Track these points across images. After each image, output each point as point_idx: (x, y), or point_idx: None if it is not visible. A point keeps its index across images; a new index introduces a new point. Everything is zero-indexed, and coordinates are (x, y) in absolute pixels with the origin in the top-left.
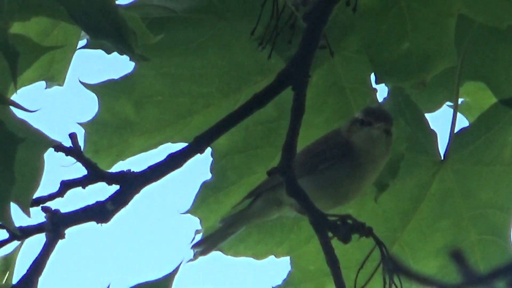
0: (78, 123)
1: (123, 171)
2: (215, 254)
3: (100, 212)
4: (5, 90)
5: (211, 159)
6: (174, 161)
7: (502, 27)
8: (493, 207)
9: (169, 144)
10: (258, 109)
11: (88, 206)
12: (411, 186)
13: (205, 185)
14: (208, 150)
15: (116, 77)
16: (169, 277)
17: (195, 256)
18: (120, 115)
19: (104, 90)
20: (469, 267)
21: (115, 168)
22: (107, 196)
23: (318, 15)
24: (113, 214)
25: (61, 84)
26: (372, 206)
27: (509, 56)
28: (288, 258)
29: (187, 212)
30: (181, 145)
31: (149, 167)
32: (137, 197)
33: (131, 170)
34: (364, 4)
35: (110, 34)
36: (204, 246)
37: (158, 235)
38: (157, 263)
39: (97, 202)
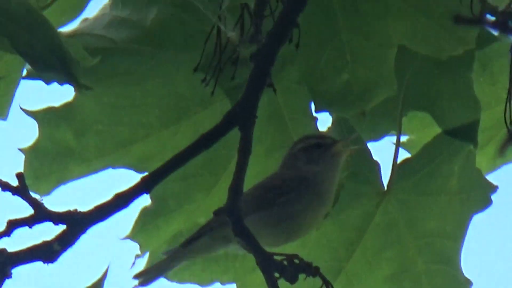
0: (18, 149)
1: (69, 210)
2: (159, 280)
3: (47, 252)
4: None
5: None
6: (120, 201)
7: (443, 58)
8: (440, 236)
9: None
10: (204, 149)
11: (35, 245)
12: (355, 216)
13: (144, 212)
14: None
15: (56, 104)
16: (98, 283)
17: (138, 285)
18: (61, 143)
19: (44, 116)
20: None
21: (59, 199)
22: (54, 235)
23: (265, 55)
24: (60, 254)
25: (4, 118)
26: (317, 237)
27: (452, 86)
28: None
29: (126, 237)
30: (122, 171)
31: (96, 207)
32: None
33: (78, 210)
34: (303, 36)
35: (55, 66)
36: (146, 276)
37: (99, 260)
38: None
39: (44, 242)
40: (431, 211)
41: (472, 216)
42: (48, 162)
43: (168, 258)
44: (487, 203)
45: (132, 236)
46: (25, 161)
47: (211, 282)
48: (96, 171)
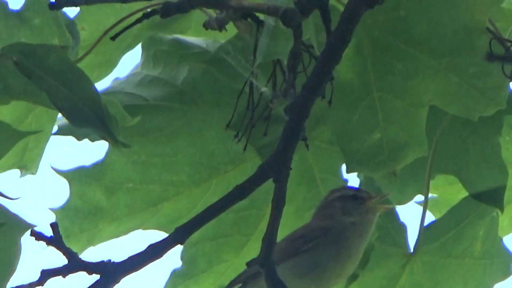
0: (50, 209)
1: (103, 261)
2: None
3: None
4: None
5: (182, 247)
6: (154, 252)
7: (474, 119)
8: None
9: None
10: (239, 200)
11: None
12: (381, 277)
13: (175, 273)
14: None
15: (87, 164)
16: None
17: None
18: (91, 201)
19: (75, 176)
20: None
21: (91, 253)
22: (87, 285)
23: (300, 108)
24: None
25: (34, 173)
26: None
27: (480, 148)
28: None
29: None
30: (151, 232)
31: (129, 258)
32: None
33: (111, 260)
34: (336, 95)
35: (92, 122)
36: None
37: None
38: None
39: None
40: (455, 274)
41: (493, 284)
42: (78, 221)
43: None
44: (507, 273)
45: None
46: (56, 221)
47: None
48: (126, 232)
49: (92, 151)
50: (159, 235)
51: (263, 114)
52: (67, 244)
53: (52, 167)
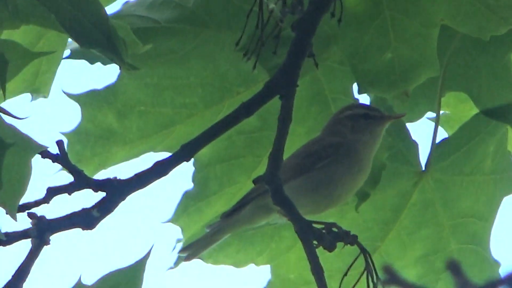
0: (61, 133)
1: (109, 178)
2: (195, 262)
3: (86, 219)
4: None
5: (193, 168)
6: (160, 169)
7: (485, 38)
8: (473, 216)
9: (151, 153)
10: (245, 117)
11: (74, 212)
12: (392, 195)
13: (186, 195)
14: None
15: (99, 87)
16: (140, 263)
17: (178, 262)
18: (103, 125)
19: (86, 100)
20: (466, 278)
21: (99, 175)
22: (93, 203)
23: (307, 24)
24: (99, 221)
25: (46, 96)
26: (352, 216)
27: (491, 67)
28: (268, 266)
29: (168, 221)
30: (163, 155)
31: (136, 174)
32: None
33: (117, 177)
34: (347, 15)
35: (101, 43)
36: (189, 251)
37: (140, 243)
38: None
39: (83, 209)
40: (466, 191)
41: (503, 198)
42: (90, 145)
43: (210, 232)
44: None
45: (174, 220)
46: (68, 145)
47: (246, 263)
48: (138, 154)
49: (104, 75)
50: None
51: (273, 33)
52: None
53: (63, 91)
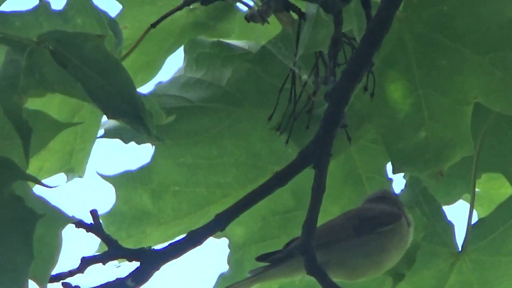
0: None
1: (143, 248)
2: None
3: None
4: (25, 167)
5: (228, 250)
6: (194, 238)
7: None
8: None
9: None
10: (279, 187)
11: (109, 282)
12: (430, 277)
13: (222, 277)
14: (226, 241)
15: (133, 168)
16: None
17: None
18: (138, 206)
19: (121, 181)
20: None
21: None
22: (127, 273)
23: (340, 93)
24: None
25: (81, 176)
26: None
27: None
28: None
29: None
30: None
31: (170, 244)
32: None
33: (152, 247)
34: (380, 93)
35: (127, 113)
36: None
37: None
38: None
39: (118, 279)
40: (505, 272)
41: None
42: (125, 226)
43: (252, 277)
44: None
45: None
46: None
47: None
48: (173, 236)
49: (138, 155)
50: None
51: (305, 108)
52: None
53: (97, 173)
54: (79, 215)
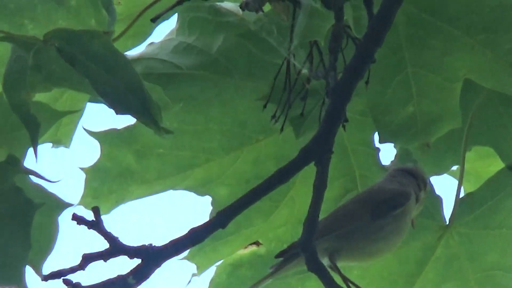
0: (79, 168)
1: (144, 245)
2: None
3: (121, 286)
4: (22, 158)
5: (211, 208)
6: (195, 236)
7: (509, 93)
8: (500, 269)
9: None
10: (280, 184)
11: (110, 279)
12: (417, 249)
13: None
14: (208, 199)
15: (119, 127)
16: None
17: None
18: (122, 164)
19: (106, 138)
20: None
21: (115, 212)
22: (128, 269)
23: (342, 91)
24: None
25: (67, 146)
26: (377, 268)
27: None
28: None
29: (184, 258)
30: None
31: (170, 241)
32: None
33: (153, 244)
34: (370, 69)
35: (136, 108)
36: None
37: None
38: None
39: (119, 276)
40: (493, 244)
41: None
42: (108, 182)
43: (271, 273)
44: None
45: (190, 258)
46: (86, 180)
47: None
48: (156, 192)
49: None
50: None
51: (300, 94)
52: (95, 204)
53: (83, 128)
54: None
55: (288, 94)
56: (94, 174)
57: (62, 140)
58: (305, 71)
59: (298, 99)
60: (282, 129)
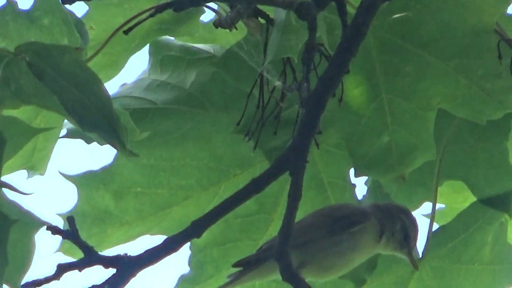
0: (57, 214)
1: (119, 254)
2: None
3: None
4: None
5: (190, 252)
6: (170, 245)
7: (482, 122)
8: None
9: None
10: (255, 194)
11: None
12: (389, 283)
13: (183, 278)
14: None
15: (95, 168)
16: None
17: None
18: (99, 206)
19: (83, 181)
20: None
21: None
22: (103, 279)
23: (317, 100)
24: None
25: (42, 174)
26: None
27: (489, 155)
28: None
29: None
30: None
31: (146, 251)
32: None
33: (128, 254)
34: (344, 97)
35: (102, 127)
36: None
37: None
38: None
39: (94, 286)
40: (465, 280)
41: None
42: (86, 226)
43: (228, 282)
44: None
45: None
46: (64, 226)
47: None
48: (134, 237)
49: (100, 155)
50: None
51: (273, 113)
52: (74, 249)
53: (60, 172)
54: (45, 217)
55: (261, 112)
56: None
57: (37, 166)
58: (278, 83)
59: (271, 133)
60: (255, 148)
